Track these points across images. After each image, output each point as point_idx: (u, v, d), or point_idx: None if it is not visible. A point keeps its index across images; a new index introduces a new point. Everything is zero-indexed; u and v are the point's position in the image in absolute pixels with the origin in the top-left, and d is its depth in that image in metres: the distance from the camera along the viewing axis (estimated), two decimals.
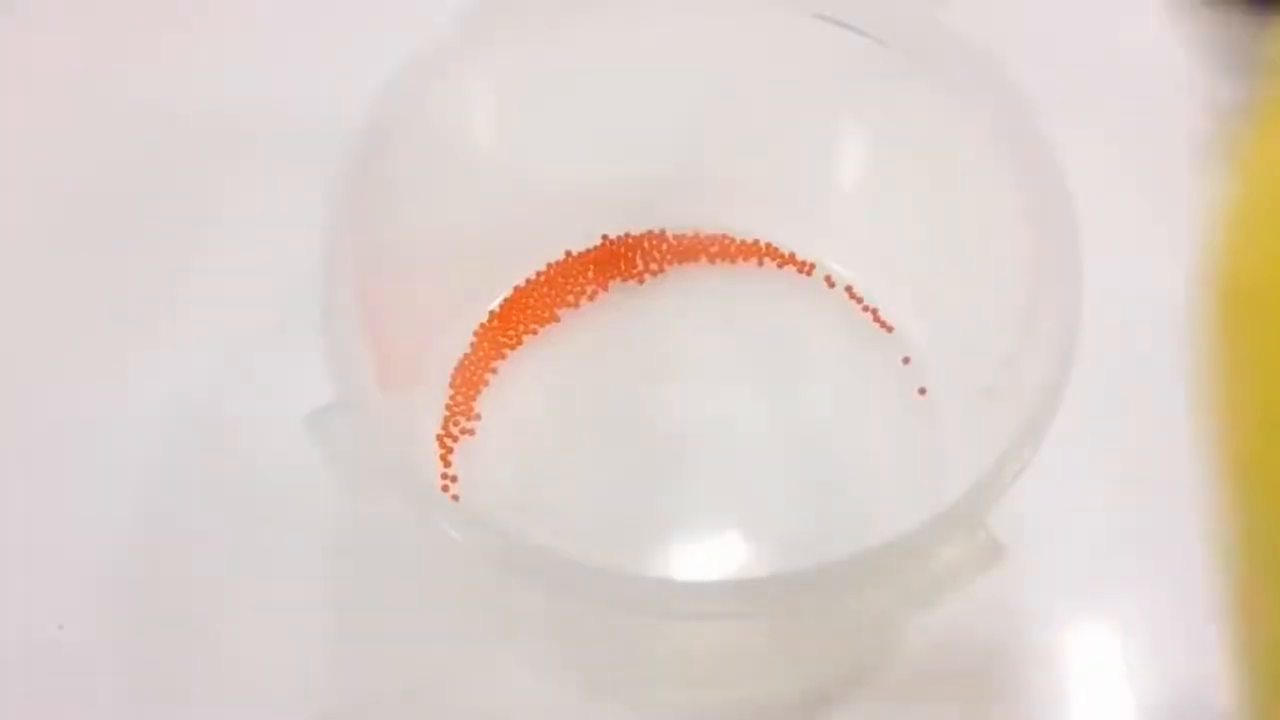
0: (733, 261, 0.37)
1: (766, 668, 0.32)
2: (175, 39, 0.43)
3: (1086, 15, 0.42)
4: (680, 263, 0.37)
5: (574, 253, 0.37)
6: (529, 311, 0.36)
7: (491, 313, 0.36)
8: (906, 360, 0.35)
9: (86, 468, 0.35)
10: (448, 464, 0.34)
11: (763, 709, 0.32)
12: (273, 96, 0.41)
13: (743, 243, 0.37)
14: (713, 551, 0.34)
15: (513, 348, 0.36)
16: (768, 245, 0.37)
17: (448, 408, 0.35)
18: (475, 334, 0.36)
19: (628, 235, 0.37)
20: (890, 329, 0.36)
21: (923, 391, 0.35)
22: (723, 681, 0.32)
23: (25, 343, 0.37)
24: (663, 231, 0.37)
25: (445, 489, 0.33)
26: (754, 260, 0.37)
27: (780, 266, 0.37)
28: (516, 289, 0.37)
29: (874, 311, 0.36)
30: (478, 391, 0.35)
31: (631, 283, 0.37)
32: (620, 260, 0.37)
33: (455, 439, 0.34)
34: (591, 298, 0.37)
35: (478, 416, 0.35)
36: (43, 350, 0.37)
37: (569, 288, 0.37)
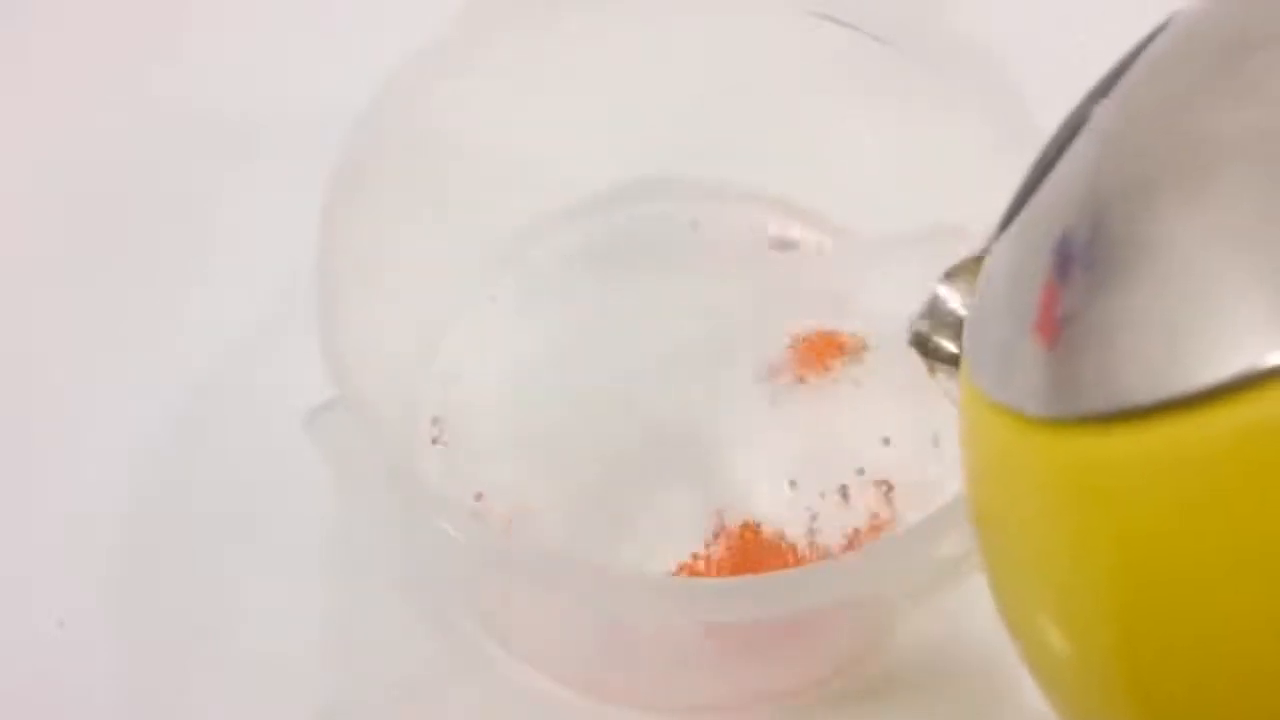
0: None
1: (766, 665, 0.32)
2: (174, 38, 0.43)
3: (1088, 15, 0.42)
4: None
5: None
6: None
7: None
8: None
9: (86, 466, 0.35)
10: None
11: (762, 707, 0.32)
12: (272, 95, 0.41)
13: None
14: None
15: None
16: None
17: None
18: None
19: None
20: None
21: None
22: (722, 679, 0.32)
23: (25, 340, 0.37)
24: None
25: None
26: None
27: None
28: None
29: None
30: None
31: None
32: None
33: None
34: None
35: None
36: (42, 348, 0.37)
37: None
